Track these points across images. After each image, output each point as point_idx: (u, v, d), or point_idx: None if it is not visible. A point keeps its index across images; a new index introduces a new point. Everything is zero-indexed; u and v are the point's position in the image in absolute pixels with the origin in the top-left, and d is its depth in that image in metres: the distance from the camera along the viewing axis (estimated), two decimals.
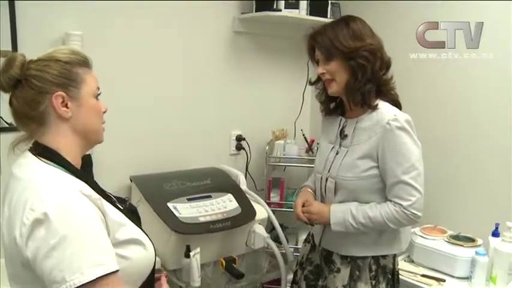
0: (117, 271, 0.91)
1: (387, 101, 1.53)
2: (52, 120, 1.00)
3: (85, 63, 1.05)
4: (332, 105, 1.65)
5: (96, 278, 0.87)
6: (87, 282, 0.86)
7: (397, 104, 1.54)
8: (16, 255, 0.91)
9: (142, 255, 1.04)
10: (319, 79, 1.60)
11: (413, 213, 1.44)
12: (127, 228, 1.02)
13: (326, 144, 1.63)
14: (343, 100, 1.58)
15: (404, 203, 1.43)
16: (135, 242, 1.03)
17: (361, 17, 1.55)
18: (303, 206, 1.63)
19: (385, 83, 1.52)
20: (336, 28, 1.49)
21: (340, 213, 1.51)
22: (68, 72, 1.00)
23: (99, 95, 1.08)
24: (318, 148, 1.79)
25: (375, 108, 1.49)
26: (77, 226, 0.89)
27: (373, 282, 1.55)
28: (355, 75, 1.46)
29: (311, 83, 1.67)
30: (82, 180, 0.98)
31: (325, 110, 1.66)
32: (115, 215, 1.00)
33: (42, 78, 0.98)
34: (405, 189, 1.43)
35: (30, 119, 1.00)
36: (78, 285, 0.85)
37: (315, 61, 1.58)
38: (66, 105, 1.00)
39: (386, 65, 1.51)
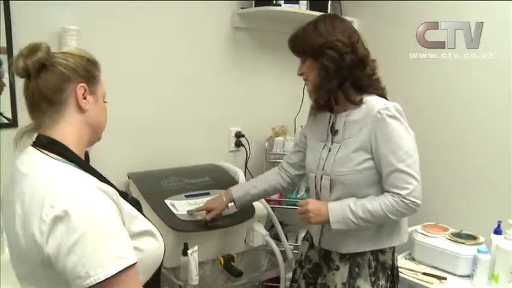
0: (136, 263, 0.93)
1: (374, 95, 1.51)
2: (69, 109, 1.03)
3: (99, 68, 1.11)
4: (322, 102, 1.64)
5: (119, 271, 0.88)
6: (111, 276, 0.87)
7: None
8: (35, 253, 0.91)
9: (155, 246, 1.06)
10: None
11: (413, 202, 1.41)
12: (140, 221, 1.05)
13: (316, 143, 1.61)
14: None
15: (403, 192, 1.40)
16: (148, 233, 1.05)
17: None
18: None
19: (362, 79, 1.49)
20: (305, 29, 1.52)
21: (339, 210, 1.47)
22: (90, 68, 1.06)
23: (105, 102, 1.14)
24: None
25: (359, 103, 1.48)
26: (97, 222, 0.90)
27: (373, 278, 1.53)
28: (321, 74, 1.47)
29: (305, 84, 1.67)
30: (93, 175, 0.99)
31: (316, 107, 1.63)
32: (128, 208, 1.03)
33: (69, 66, 1.02)
34: (401, 177, 1.41)
35: (49, 102, 1.01)
36: (103, 279, 0.86)
37: None
38: (85, 98, 1.04)
39: (361, 60, 1.48)
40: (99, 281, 0.86)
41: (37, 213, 0.89)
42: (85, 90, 1.04)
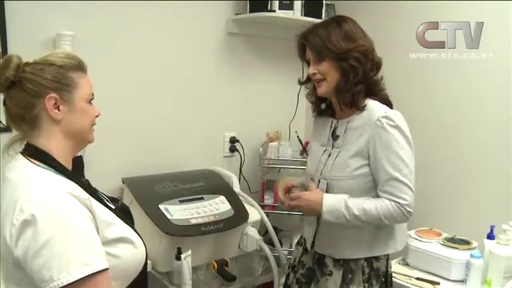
0: (106, 269, 0.92)
1: (377, 100, 1.52)
2: (44, 123, 1.02)
3: (79, 67, 1.07)
4: (323, 105, 1.64)
5: (83, 277, 0.88)
6: (74, 281, 0.87)
7: (388, 103, 1.53)
8: (7, 255, 0.93)
9: (132, 253, 1.05)
10: (309, 79, 1.59)
11: (408, 211, 1.42)
12: (116, 227, 1.03)
13: (318, 147, 1.62)
14: (332, 101, 1.58)
15: (399, 201, 1.41)
16: (124, 240, 1.04)
17: (356, 18, 1.53)
18: (290, 192, 1.59)
19: (375, 84, 1.52)
20: (328, 28, 1.48)
21: (335, 201, 1.45)
22: (61, 76, 1.02)
23: (92, 99, 1.10)
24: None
25: (363, 109, 1.48)
26: (65, 226, 0.90)
27: (366, 285, 1.53)
28: (347, 76, 1.46)
29: (301, 83, 1.66)
30: (72, 181, 1.00)
31: (317, 110, 1.65)
32: (104, 214, 1.02)
33: (36, 81, 1.00)
34: (398, 186, 1.41)
35: (23, 120, 1.02)
36: (66, 284, 0.87)
37: (305, 61, 1.57)
38: (58, 108, 1.02)
39: (377, 66, 1.51)
40: (62, 285, 0.87)
41: (9, 217, 0.92)
42: (56, 100, 1.01)
